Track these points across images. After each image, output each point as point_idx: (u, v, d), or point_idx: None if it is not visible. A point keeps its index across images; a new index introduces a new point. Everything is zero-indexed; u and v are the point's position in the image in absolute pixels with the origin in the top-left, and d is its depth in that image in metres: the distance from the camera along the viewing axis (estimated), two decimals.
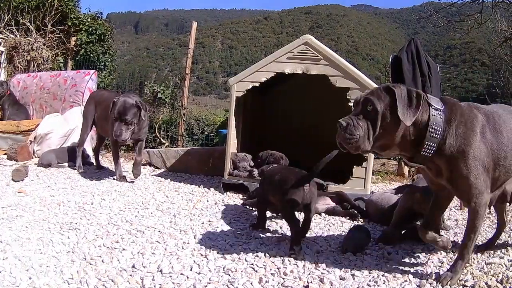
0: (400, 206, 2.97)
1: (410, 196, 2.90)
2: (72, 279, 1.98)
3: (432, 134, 2.08)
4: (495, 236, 2.78)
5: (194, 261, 2.26)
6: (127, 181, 4.52)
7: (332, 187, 3.99)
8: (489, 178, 2.16)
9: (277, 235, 2.87)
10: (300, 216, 2.67)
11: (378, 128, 2.06)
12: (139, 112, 4.17)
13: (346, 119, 2.10)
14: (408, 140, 2.12)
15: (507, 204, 2.72)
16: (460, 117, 2.13)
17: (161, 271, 2.12)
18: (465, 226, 2.25)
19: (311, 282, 2.05)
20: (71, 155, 5.30)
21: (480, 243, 2.77)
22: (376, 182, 5.52)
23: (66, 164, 5.23)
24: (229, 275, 2.11)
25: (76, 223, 2.90)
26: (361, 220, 3.44)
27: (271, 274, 2.13)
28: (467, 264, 2.30)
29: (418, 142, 2.10)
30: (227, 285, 1.99)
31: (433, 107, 2.11)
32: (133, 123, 4.16)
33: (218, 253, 2.43)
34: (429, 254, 2.54)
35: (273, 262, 2.30)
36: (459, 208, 3.97)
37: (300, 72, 4.12)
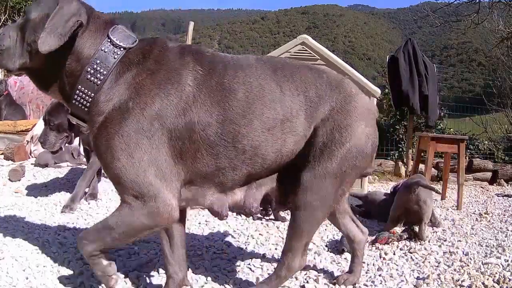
0: (395, 204, 3.02)
1: (405, 194, 2.94)
2: (69, 279, 1.98)
3: (89, 76, 1.47)
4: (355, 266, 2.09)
5: (191, 261, 2.26)
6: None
7: None
8: (182, 167, 1.51)
9: (274, 235, 2.88)
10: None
11: (26, 44, 1.48)
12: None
13: (7, 27, 1.56)
14: (63, 77, 1.52)
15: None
16: (154, 64, 1.50)
17: (157, 271, 2.12)
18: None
19: (307, 282, 2.05)
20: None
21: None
22: (372, 182, 5.54)
23: (63, 164, 5.22)
24: (226, 275, 2.11)
25: (73, 223, 2.90)
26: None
27: (268, 274, 2.12)
28: (464, 264, 2.32)
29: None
30: (224, 285, 1.99)
31: (110, 40, 1.50)
32: (61, 130, 3.11)
33: (215, 253, 2.43)
34: (426, 254, 2.54)
35: (269, 262, 2.30)
36: (456, 208, 3.98)
37: None
